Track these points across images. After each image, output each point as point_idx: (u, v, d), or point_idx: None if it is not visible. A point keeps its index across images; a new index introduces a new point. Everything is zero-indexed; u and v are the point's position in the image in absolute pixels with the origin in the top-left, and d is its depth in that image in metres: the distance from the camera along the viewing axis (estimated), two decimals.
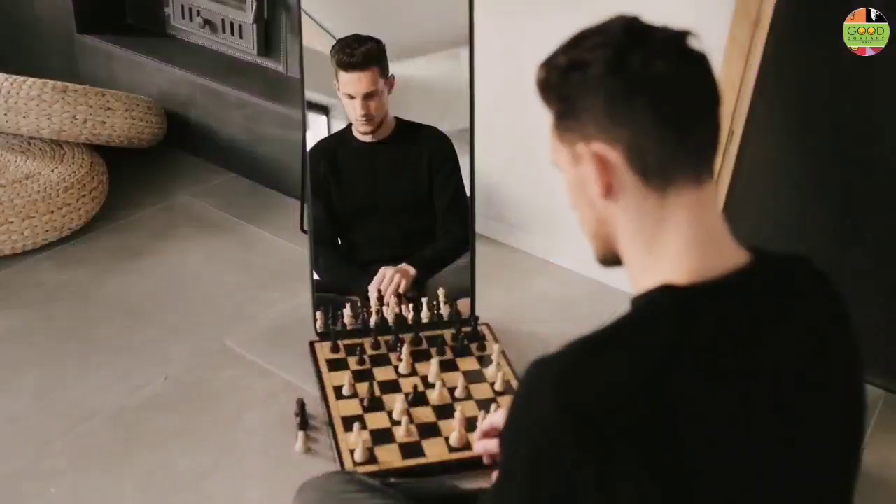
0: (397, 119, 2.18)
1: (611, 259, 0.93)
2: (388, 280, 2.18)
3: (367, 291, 2.20)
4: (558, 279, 2.50)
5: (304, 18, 2.09)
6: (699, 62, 0.84)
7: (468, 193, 2.19)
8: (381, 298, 2.18)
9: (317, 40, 2.10)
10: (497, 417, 1.52)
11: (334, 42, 2.09)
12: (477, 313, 2.22)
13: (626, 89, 0.82)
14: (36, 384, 2.01)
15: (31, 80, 2.60)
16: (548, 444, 0.77)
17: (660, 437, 0.76)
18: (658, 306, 0.84)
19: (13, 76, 2.61)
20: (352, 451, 1.80)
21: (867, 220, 2.06)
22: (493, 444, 1.47)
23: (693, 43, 0.84)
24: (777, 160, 2.13)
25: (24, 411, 1.93)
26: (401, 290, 2.18)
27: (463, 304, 2.23)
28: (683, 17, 2.15)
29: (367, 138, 2.17)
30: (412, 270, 2.19)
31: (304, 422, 1.89)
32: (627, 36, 0.83)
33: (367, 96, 2.10)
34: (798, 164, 2.11)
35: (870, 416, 2.07)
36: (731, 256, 0.87)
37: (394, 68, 2.13)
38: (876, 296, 2.10)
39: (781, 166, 2.13)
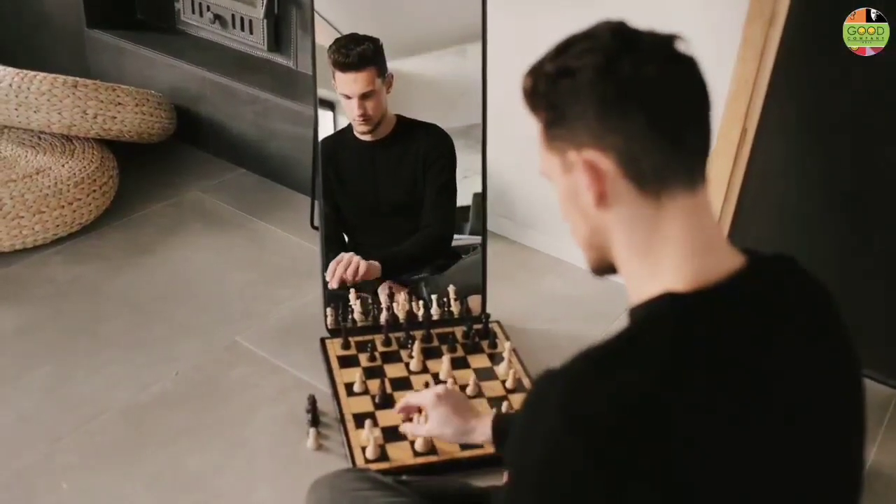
0: (398, 117, 2.17)
1: (605, 268, 0.92)
2: (343, 264, 2.16)
3: (373, 288, 2.20)
4: (569, 277, 2.50)
5: (315, 15, 2.08)
6: (688, 66, 0.83)
7: (481, 192, 2.18)
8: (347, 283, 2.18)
9: (322, 36, 2.09)
10: (415, 399, 1.61)
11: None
12: (488, 311, 2.22)
13: (617, 95, 0.80)
14: (46, 380, 2.01)
15: (41, 74, 2.60)
16: (555, 460, 0.76)
17: (668, 451, 0.75)
18: (662, 316, 0.83)
19: (24, 71, 2.61)
20: (363, 449, 1.80)
21: (880, 220, 2.05)
22: (410, 427, 1.64)
23: (681, 47, 0.83)
24: (790, 160, 2.12)
25: (34, 408, 1.93)
26: (358, 277, 2.16)
27: (474, 302, 2.23)
28: (697, 17, 2.14)
29: (367, 137, 2.16)
30: (375, 263, 2.18)
31: (316, 419, 1.89)
32: (616, 41, 0.82)
33: (364, 96, 2.09)
34: (811, 163, 2.10)
35: (882, 416, 2.06)
36: (727, 261, 0.86)
37: (400, 64, 2.12)
38: (887, 296, 2.09)
39: (794, 166, 2.12)
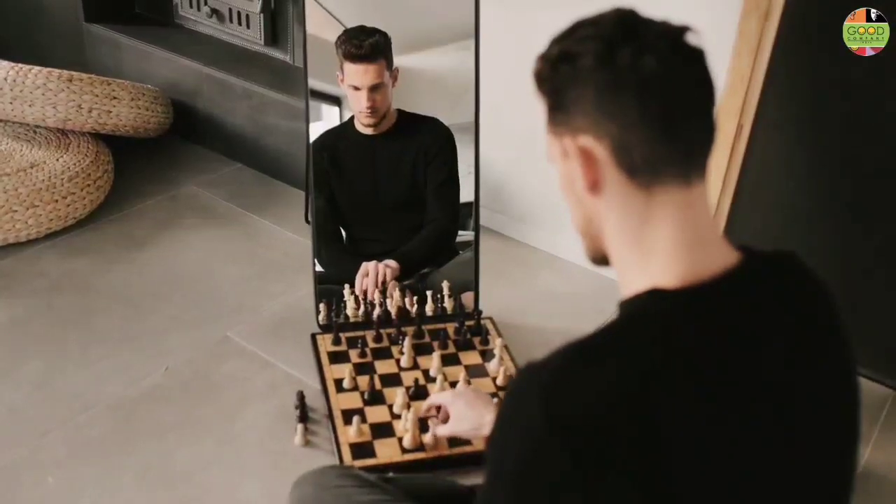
0: (399, 111, 2.16)
1: (600, 258, 0.91)
2: (372, 274, 2.16)
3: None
4: (564, 273, 2.48)
5: (315, 7, 2.07)
6: (694, 59, 0.81)
7: (474, 187, 2.17)
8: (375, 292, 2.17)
9: (328, 30, 2.08)
10: (436, 398, 1.67)
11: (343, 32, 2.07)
12: (481, 307, 2.21)
13: (613, 84, 0.79)
14: (37, 374, 2.01)
15: (36, 68, 2.59)
16: (533, 455, 0.75)
17: (649, 450, 0.74)
18: (646, 312, 0.82)
19: (19, 64, 2.60)
20: (351, 445, 1.79)
21: (877, 216, 2.03)
22: (442, 429, 1.64)
23: (691, 39, 0.81)
24: (786, 155, 2.10)
25: (24, 401, 1.93)
26: (387, 283, 2.16)
27: (467, 298, 2.21)
28: (693, 10, 2.12)
29: (369, 131, 2.15)
30: (394, 264, 2.17)
31: (304, 415, 1.88)
32: (620, 29, 0.80)
33: (373, 88, 2.08)
34: (807, 159, 2.08)
35: (878, 416, 2.04)
36: (720, 258, 0.84)
37: (405, 60, 2.11)
38: (884, 293, 2.07)
39: (790, 161, 2.10)
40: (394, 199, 2.21)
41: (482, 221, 2.31)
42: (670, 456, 0.75)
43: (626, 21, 0.82)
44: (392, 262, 2.18)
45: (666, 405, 0.76)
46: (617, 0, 0.92)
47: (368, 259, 2.19)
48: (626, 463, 0.73)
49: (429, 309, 2.18)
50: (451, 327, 2.14)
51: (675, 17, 0.84)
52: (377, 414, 1.87)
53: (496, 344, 2.06)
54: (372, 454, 1.77)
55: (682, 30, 0.81)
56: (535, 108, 0.89)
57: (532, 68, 0.87)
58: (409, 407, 1.86)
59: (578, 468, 0.73)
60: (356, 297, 2.18)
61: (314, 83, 2.12)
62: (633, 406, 0.75)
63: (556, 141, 0.87)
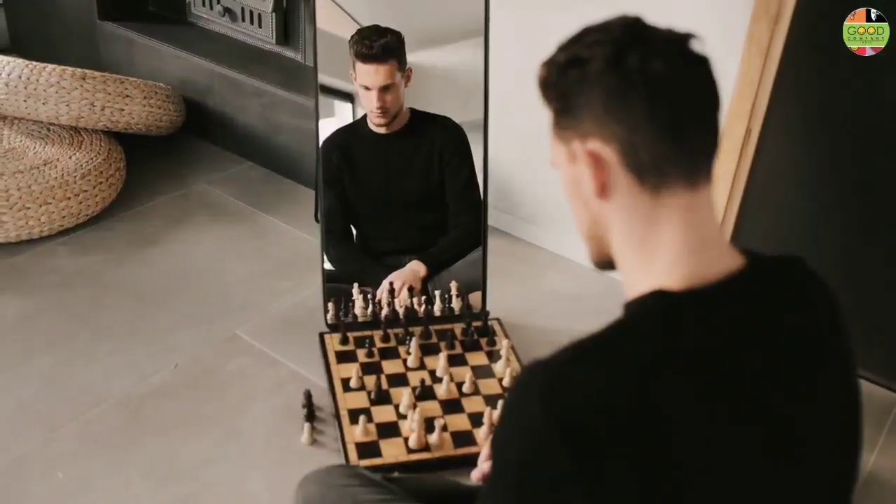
0: (412, 110, 2.16)
1: (605, 262, 0.93)
2: (398, 290, 2.17)
3: (379, 282, 2.20)
4: (571, 274, 2.49)
5: (329, 5, 2.07)
6: (700, 65, 0.83)
7: (481, 187, 2.18)
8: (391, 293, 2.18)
9: (342, 27, 2.09)
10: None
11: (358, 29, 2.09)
12: (488, 308, 2.21)
13: (622, 87, 0.81)
14: (46, 369, 2.03)
15: (50, 66, 2.61)
16: (535, 452, 0.77)
17: (648, 448, 0.75)
18: (649, 312, 0.83)
19: (33, 62, 2.62)
20: (357, 444, 1.80)
21: (885, 220, 2.02)
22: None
23: (695, 46, 0.83)
24: (795, 159, 2.10)
25: (33, 396, 1.95)
26: (410, 296, 2.18)
27: (474, 298, 2.22)
28: (703, 14, 2.12)
29: (382, 130, 2.16)
30: (422, 271, 2.18)
31: (311, 413, 1.89)
32: (628, 34, 0.82)
33: (384, 89, 2.09)
34: (816, 163, 2.07)
35: (884, 421, 2.03)
36: (724, 261, 0.85)
37: (417, 57, 2.11)
38: (891, 297, 2.06)
39: (799, 165, 2.10)
40: (406, 198, 2.22)
41: (489, 221, 2.31)
42: (670, 454, 0.76)
43: (633, 27, 0.83)
44: (420, 269, 2.18)
45: (666, 403, 0.77)
46: (625, 4, 0.93)
47: (379, 257, 2.21)
48: (625, 460, 0.74)
49: (436, 309, 2.19)
50: (458, 328, 2.14)
51: (686, 20, 0.86)
52: (383, 414, 1.88)
53: (503, 345, 2.07)
54: (378, 454, 1.78)
55: (687, 37, 0.83)
56: (544, 108, 0.90)
57: (537, 75, 0.89)
58: (415, 407, 1.87)
59: (578, 464, 0.74)
60: (364, 297, 2.19)
61: (328, 80, 2.13)
62: (632, 404, 0.76)
63: (562, 145, 0.88)
